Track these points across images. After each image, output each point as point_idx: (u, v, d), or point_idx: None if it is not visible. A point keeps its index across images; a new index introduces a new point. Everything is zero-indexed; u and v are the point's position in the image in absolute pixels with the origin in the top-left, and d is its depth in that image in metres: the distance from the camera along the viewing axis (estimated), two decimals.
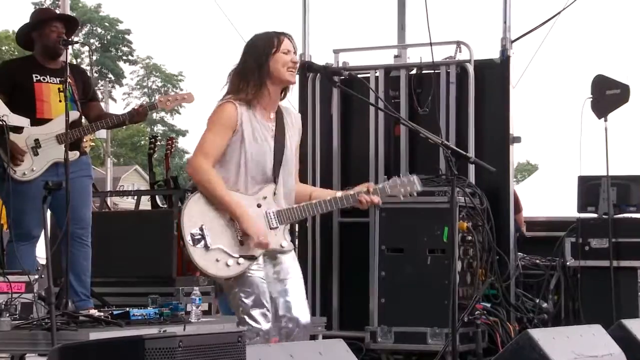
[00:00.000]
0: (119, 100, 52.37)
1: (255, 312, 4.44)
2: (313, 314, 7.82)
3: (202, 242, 4.42)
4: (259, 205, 4.52)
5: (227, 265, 4.43)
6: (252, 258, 4.46)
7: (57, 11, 7.84)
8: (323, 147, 8.08)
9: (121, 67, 52.42)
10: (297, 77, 4.68)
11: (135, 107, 6.65)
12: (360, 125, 8.04)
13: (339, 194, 4.64)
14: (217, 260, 4.42)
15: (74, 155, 6.28)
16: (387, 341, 7.12)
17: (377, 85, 7.92)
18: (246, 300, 4.45)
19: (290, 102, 8.94)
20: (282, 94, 4.65)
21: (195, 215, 4.44)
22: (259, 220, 4.49)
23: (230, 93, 4.57)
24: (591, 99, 7.81)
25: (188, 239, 4.41)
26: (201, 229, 4.43)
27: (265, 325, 4.45)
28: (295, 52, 4.62)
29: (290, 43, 4.60)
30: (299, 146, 4.76)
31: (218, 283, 4.60)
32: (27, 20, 6.61)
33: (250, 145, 4.50)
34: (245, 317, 4.44)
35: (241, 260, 4.44)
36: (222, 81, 4.65)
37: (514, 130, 7.65)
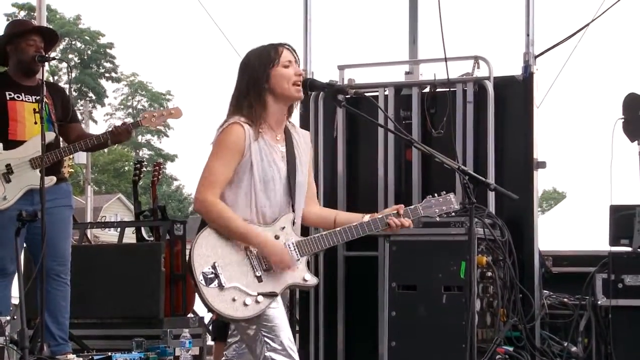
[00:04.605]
0: (100, 122, 52.57)
1: (280, 351, 4.44)
2: (316, 358, 7.81)
3: (216, 281, 4.40)
4: (276, 237, 4.52)
5: (245, 305, 4.41)
6: (273, 295, 4.45)
7: (34, 22, 7.88)
8: (327, 173, 8.08)
9: (103, 85, 52.62)
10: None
11: (117, 125, 6.61)
12: (367, 149, 8.05)
13: (367, 217, 4.67)
14: (234, 300, 4.40)
15: (50, 181, 6.28)
16: None
17: (387, 104, 7.94)
18: (268, 339, 4.45)
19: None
20: (289, 112, 4.64)
21: (206, 253, 4.43)
22: (283, 247, 4.48)
23: (232, 115, 4.54)
24: (623, 120, 7.82)
25: (200, 278, 4.39)
26: (214, 267, 4.41)
27: None
28: (297, 63, 4.61)
29: (290, 54, 4.58)
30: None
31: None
32: (1, 32, 6.65)
33: (259, 171, 4.50)
34: (271, 354, 4.44)
35: (260, 298, 4.43)
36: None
37: (539, 154, 7.66)
